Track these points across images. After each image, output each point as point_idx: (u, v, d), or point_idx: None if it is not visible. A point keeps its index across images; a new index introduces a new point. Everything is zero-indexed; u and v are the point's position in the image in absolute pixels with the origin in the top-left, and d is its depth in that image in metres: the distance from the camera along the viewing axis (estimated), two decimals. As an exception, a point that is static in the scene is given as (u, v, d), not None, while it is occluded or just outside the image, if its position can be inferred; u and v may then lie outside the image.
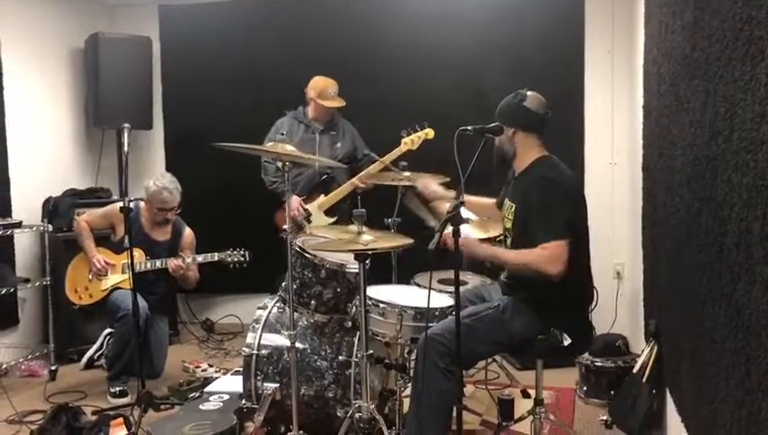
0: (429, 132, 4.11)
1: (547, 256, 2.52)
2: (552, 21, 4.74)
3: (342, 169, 4.29)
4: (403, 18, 4.98)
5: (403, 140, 4.07)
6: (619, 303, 4.61)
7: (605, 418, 3.32)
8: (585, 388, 3.66)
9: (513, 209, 2.74)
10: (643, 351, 3.25)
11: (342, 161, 4.24)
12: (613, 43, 4.70)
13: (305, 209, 4.24)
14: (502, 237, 2.96)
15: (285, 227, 2.86)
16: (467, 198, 2.51)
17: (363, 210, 2.72)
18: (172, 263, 3.93)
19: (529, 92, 2.76)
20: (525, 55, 4.71)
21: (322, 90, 4.33)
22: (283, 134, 4.33)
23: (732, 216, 1.53)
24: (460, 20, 4.88)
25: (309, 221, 4.22)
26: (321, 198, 4.31)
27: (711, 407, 1.80)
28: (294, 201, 4.21)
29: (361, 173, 4.20)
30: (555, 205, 2.59)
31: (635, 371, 3.25)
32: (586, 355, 3.62)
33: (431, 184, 3.30)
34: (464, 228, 2.42)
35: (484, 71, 4.75)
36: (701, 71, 1.89)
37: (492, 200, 3.12)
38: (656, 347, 3.09)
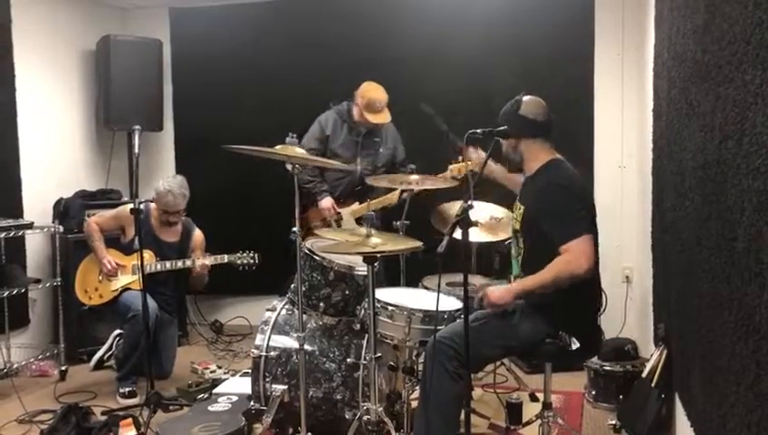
0: (473, 165, 3.64)
1: (572, 257, 2.50)
2: (562, 23, 4.73)
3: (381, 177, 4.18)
4: (411, 21, 4.99)
5: (450, 167, 3.69)
6: (627, 307, 4.60)
7: (613, 422, 3.31)
8: (594, 392, 3.65)
9: (521, 211, 2.74)
10: (652, 355, 3.23)
11: (381, 168, 4.19)
12: (623, 46, 4.68)
13: (338, 212, 4.22)
14: (511, 240, 2.95)
15: (294, 229, 2.84)
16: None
17: (372, 213, 2.73)
18: (200, 262, 3.96)
19: (525, 98, 2.73)
20: (535, 58, 4.70)
21: (371, 102, 4.14)
22: (327, 135, 4.26)
23: (742, 220, 1.53)
24: (469, 22, 4.87)
25: (339, 225, 4.20)
26: (356, 205, 4.28)
27: (721, 412, 1.79)
28: (328, 202, 4.20)
29: (390, 194, 4.05)
30: (571, 208, 2.59)
31: (644, 375, 3.23)
32: (595, 359, 3.61)
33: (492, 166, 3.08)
34: (472, 233, 2.42)
35: (493, 73, 4.75)
36: (711, 74, 1.89)
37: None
38: (665, 351, 3.08)
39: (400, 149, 4.39)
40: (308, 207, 4.28)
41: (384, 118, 4.20)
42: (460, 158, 3.67)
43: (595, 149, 4.78)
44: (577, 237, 2.52)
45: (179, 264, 4.04)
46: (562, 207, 2.59)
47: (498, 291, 2.64)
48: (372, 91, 4.17)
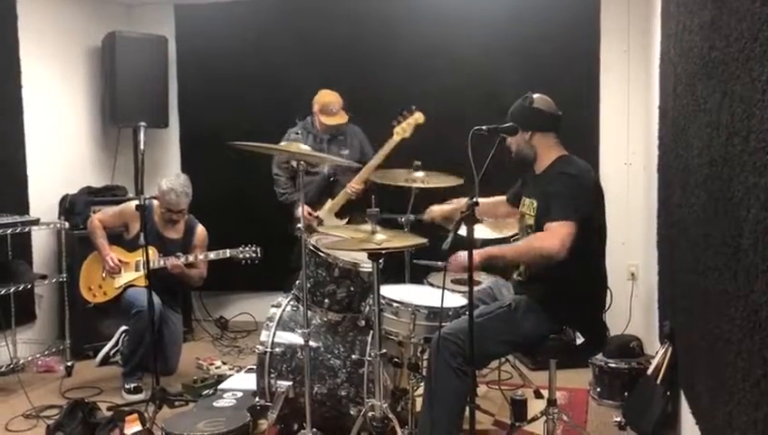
0: (419, 117, 3.99)
1: (549, 236, 2.53)
2: (568, 20, 4.72)
3: (350, 172, 4.29)
4: (416, 19, 4.98)
5: (395, 130, 3.99)
6: (633, 304, 4.59)
7: (618, 419, 3.30)
8: (599, 389, 3.65)
9: (534, 205, 2.74)
10: (657, 352, 3.23)
11: (347, 167, 4.23)
12: (629, 43, 4.67)
13: (316, 217, 4.27)
14: (517, 237, 2.95)
15: (299, 226, 2.87)
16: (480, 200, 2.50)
17: (377, 209, 2.73)
18: (171, 262, 3.95)
19: (535, 95, 2.77)
20: (540, 54, 4.69)
21: (324, 105, 4.35)
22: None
23: (748, 217, 1.52)
24: (474, 21, 4.87)
25: (322, 225, 4.24)
26: (329, 202, 4.34)
27: (727, 409, 1.79)
28: (304, 210, 4.23)
29: (356, 177, 4.21)
30: (571, 195, 2.60)
31: (649, 372, 3.23)
32: (600, 356, 3.61)
33: (435, 210, 3.29)
34: (478, 229, 2.42)
35: (498, 70, 4.74)
36: (718, 71, 1.88)
37: (501, 198, 3.13)
38: (670, 349, 3.07)
39: (368, 148, 4.46)
40: (290, 220, 4.35)
41: (339, 119, 4.36)
42: (400, 118, 3.91)
43: (601, 146, 4.77)
44: (561, 220, 2.53)
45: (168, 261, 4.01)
46: (561, 191, 2.61)
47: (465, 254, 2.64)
48: (326, 96, 4.39)
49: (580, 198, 2.61)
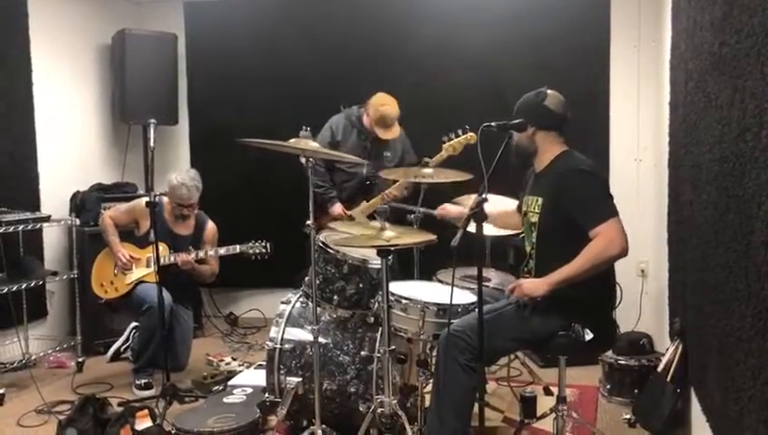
0: (472, 137, 3.83)
1: (606, 240, 2.51)
2: (578, 15, 4.70)
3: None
4: (426, 16, 4.97)
5: (444, 146, 3.86)
6: (643, 301, 4.57)
7: (628, 416, 3.30)
8: (608, 386, 3.64)
9: (539, 202, 2.72)
10: (668, 349, 3.22)
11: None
12: (639, 38, 4.65)
13: (349, 215, 4.25)
14: (523, 234, 2.93)
15: (309, 222, 2.86)
16: (490, 211, 2.48)
17: (386, 206, 2.73)
18: (181, 257, 3.97)
19: (549, 91, 2.75)
20: (550, 50, 4.67)
21: (382, 118, 4.15)
22: (338, 141, 4.29)
23: (759, 214, 1.51)
24: (483, 16, 4.86)
25: None
26: (364, 203, 4.30)
27: (737, 407, 1.78)
28: (338, 208, 4.25)
29: (394, 185, 4.13)
30: (597, 192, 2.60)
31: (659, 369, 3.22)
32: (610, 353, 3.60)
33: (449, 208, 3.30)
34: (487, 226, 2.42)
35: (508, 67, 4.73)
36: (729, 67, 1.87)
37: (512, 208, 3.12)
38: (680, 346, 3.06)
39: (410, 154, 4.41)
40: (319, 214, 4.31)
41: (393, 134, 4.23)
42: (452, 135, 3.81)
43: (611, 142, 4.75)
44: (606, 220, 2.52)
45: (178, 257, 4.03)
46: (588, 191, 2.60)
47: (533, 283, 2.64)
48: (385, 106, 4.16)
49: (605, 193, 2.63)
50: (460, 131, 3.85)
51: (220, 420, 2.98)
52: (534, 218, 2.74)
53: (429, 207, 3.53)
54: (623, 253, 2.51)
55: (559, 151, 2.75)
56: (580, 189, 2.61)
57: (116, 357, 4.15)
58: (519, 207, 3.03)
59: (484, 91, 4.73)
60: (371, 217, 4.20)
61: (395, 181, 4.09)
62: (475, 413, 2.56)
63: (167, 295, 3.68)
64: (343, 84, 4.92)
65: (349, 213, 4.26)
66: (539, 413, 3.12)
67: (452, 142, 3.85)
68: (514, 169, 2.90)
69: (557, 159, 2.74)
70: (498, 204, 3.22)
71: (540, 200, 2.72)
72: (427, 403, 2.78)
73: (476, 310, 2.41)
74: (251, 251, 4.04)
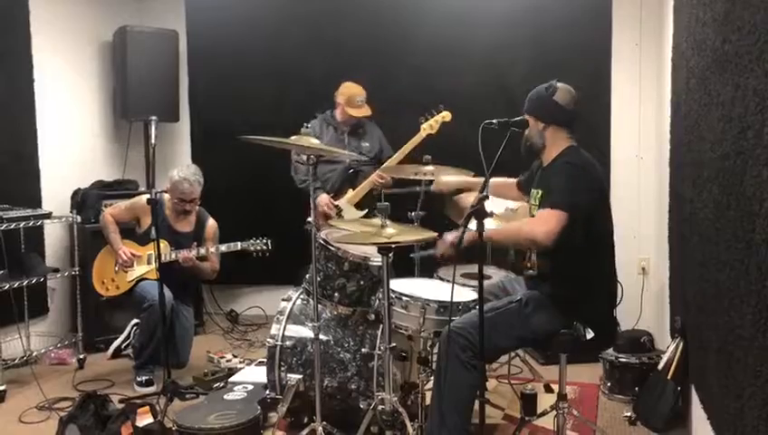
0: (447, 115, 4.11)
1: (538, 220, 2.57)
2: (579, 12, 4.69)
3: (370, 165, 4.37)
4: (428, 14, 4.96)
5: (422, 126, 4.08)
6: (644, 299, 4.57)
7: (629, 414, 3.30)
8: (609, 384, 3.64)
9: (539, 195, 2.74)
10: (668, 347, 3.22)
11: (366, 159, 4.33)
12: (641, 36, 4.64)
13: (336, 205, 4.28)
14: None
15: (310, 219, 2.88)
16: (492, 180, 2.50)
17: (387, 203, 2.73)
18: (182, 254, 3.97)
19: (559, 84, 2.74)
20: (551, 47, 4.67)
21: (350, 97, 4.36)
22: (317, 138, 4.33)
23: (761, 211, 1.51)
24: (485, 15, 4.85)
25: (341, 216, 4.26)
26: (350, 192, 4.36)
27: (738, 404, 1.78)
28: (324, 198, 4.26)
29: (381, 166, 4.22)
30: (568, 185, 2.60)
31: (660, 367, 3.22)
32: (610, 351, 3.60)
33: (443, 179, 3.29)
34: (488, 223, 2.42)
35: (509, 64, 4.73)
36: (731, 64, 1.86)
37: (513, 180, 3.13)
38: (681, 344, 3.06)
39: (385, 145, 4.49)
40: (307, 209, 4.33)
41: (365, 112, 4.40)
42: (428, 115, 4.06)
43: (612, 140, 4.74)
44: (553, 208, 2.54)
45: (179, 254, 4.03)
46: (560, 180, 2.62)
47: (453, 234, 2.68)
48: (351, 88, 4.40)
49: (578, 190, 2.60)
50: (434, 111, 4.08)
51: (221, 416, 2.98)
52: (536, 211, 2.75)
53: (429, 207, 3.53)
54: (545, 241, 2.52)
55: (565, 146, 2.76)
56: (555, 176, 2.65)
57: (117, 354, 4.16)
58: (520, 184, 3.06)
59: (487, 90, 4.73)
60: (359, 205, 4.34)
61: (376, 169, 4.28)
62: (475, 410, 2.57)
63: (168, 293, 3.69)
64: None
65: (336, 203, 4.30)
66: (539, 411, 3.12)
67: (429, 122, 4.08)
68: (524, 159, 2.91)
69: (561, 154, 2.75)
70: (498, 202, 3.22)
71: (540, 193, 2.74)
72: (428, 401, 2.78)
73: (477, 307, 2.41)
74: (252, 248, 4.04)
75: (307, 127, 2.90)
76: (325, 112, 4.53)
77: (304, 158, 4.22)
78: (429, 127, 4.08)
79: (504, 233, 2.79)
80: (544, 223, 2.54)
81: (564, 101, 2.72)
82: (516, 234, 2.68)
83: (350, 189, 4.37)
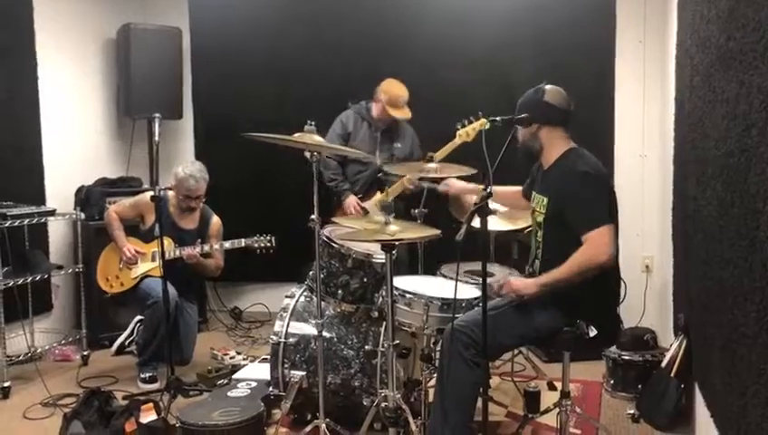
0: (484, 122, 3.82)
1: (593, 246, 2.51)
2: (583, 10, 4.69)
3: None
4: (431, 12, 4.97)
5: (458, 133, 3.87)
6: (647, 296, 4.57)
7: (632, 412, 3.30)
8: (612, 381, 3.64)
9: (544, 202, 2.72)
10: (672, 345, 3.22)
11: (398, 162, 4.22)
12: (645, 33, 4.63)
13: (363, 208, 4.26)
14: (531, 230, 2.93)
15: (312, 217, 2.87)
16: (494, 188, 2.49)
17: (392, 202, 2.73)
18: (186, 251, 3.98)
19: (548, 87, 2.73)
20: (555, 46, 4.66)
21: (394, 98, 4.22)
22: (349, 132, 4.33)
23: (765, 209, 1.51)
24: (488, 13, 4.85)
25: None
26: (378, 195, 4.31)
27: (741, 402, 1.78)
28: (352, 200, 4.25)
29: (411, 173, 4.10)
30: (595, 197, 2.58)
31: (663, 365, 3.22)
32: (614, 349, 3.60)
33: (453, 182, 3.28)
34: (491, 221, 2.41)
35: (513, 62, 4.73)
36: (736, 61, 1.86)
37: (517, 188, 3.11)
38: (685, 341, 3.06)
39: (417, 149, 4.40)
40: (335, 208, 4.31)
41: (405, 113, 4.28)
42: (465, 122, 3.84)
43: (616, 138, 4.74)
44: (597, 227, 2.51)
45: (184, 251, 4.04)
46: (585, 194, 2.58)
47: (522, 281, 2.65)
48: (395, 87, 4.25)
49: (606, 198, 2.62)
50: (472, 118, 3.86)
51: (224, 413, 2.99)
52: (540, 218, 2.74)
53: (430, 207, 3.52)
54: (609, 260, 2.52)
55: (565, 148, 2.74)
56: (577, 193, 2.60)
57: (121, 351, 4.17)
58: (524, 193, 3.04)
59: (490, 89, 4.72)
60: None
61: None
62: (478, 408, 2.56)
63: (171, 290, 3.70)
64: (348, 79, 4.91)
65: (363, 205, 4.26)
66: (542, 408, 3.12)
67: (466, 129, 3.86)
68: (521, 164, 2.89)
69: (563, 156, 2.73)
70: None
71: (545, 200, 2.72)
72: (431, 398, 2.78)
73: (480, 305, 2.41)
74: (256, 245, 4.05)
75: (311, 124, 2.89)
76: (360, 103, 4.41)
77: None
78: (465, 134, 3.86)
79: (566, 273, 2.55)
80: (598, 245, 2.50)
81: (555, 101, 2.71)
82: (578, 270, 2.52)
83: (378, 192, 4.31)
